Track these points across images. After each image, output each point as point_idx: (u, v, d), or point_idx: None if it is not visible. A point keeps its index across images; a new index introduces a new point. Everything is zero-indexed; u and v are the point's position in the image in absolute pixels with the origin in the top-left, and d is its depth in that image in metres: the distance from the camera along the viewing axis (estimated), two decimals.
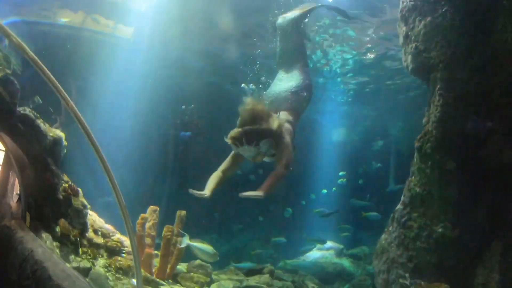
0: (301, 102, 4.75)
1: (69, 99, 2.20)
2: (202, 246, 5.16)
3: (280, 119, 4.19)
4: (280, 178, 3.90)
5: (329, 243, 11.73)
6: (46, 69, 2.07)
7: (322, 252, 11.44)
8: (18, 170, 5.10)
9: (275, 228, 12.68)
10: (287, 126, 4.22)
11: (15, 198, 5.70)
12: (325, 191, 14.97)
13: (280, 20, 5.42)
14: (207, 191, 4.04)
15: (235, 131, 3.84)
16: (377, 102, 13.52)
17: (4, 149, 5.45)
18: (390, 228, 3.94)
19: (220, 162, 4.38)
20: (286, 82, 4.89)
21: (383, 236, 4.01)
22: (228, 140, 3.86)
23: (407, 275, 3.59)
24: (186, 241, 5.09)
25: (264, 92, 4.99)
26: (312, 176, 14.39)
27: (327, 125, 15.47)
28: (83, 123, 2.27)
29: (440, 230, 3.59)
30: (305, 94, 4.77)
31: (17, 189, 5.78)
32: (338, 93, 13.52)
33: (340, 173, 14.17)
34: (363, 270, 10.23)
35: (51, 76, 2.09)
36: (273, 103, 4.68)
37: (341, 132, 15.91)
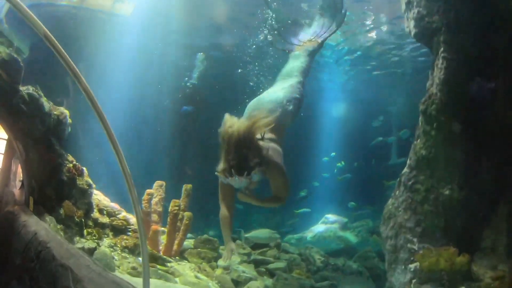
0: (286, 116, 4.41)
1: (81, 77, 2.12)
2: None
3: (265, 141, 3.90)
4: (277, 204, 3.80)
5: (333, 217, 11.79)
6: (59, 45, 2.00)
7: (326, 226, 11.48)
8: (20, 155, 5.05)
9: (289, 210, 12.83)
10: (274, 146, 3.94)
11: (18, 185, 5.67)
12: (326, 175, 15.09)
13: (297, 52, 5.30)
14: (229, 244, 4.00)
15: (223, 166, 3.62)
16: (377, 78, 13.50)
17: (5, 137, 5.43)
18: (397, 193, 3.88)
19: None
20: (275, 93, 4.63)
21: (390, 201, 3.95)
22: (218, 174, 3.67)
23: (415, 239, 3.54)
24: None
25: (248, 101, 4.65)
26: (314, 153, 14.43)
27: (327, 102, 15.37)
28: (95, 102, 2.20)
29: (447, 192, 3.53)
30: (291, 107, 4.42)
31: (20, 176, 5.74)
32: (336, 71, 13.52)
33: (338, 164, 14.26)
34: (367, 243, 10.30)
35: (65, 53, 2.01)
36: (257, 114, 4.25)
37: (341, 108, 15.79)
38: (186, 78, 12.28)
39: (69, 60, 2.04)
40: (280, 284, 6.03)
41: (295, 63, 5.24)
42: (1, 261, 4.44)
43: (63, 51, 1.97)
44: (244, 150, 3.56)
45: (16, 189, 5.54)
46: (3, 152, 5.52)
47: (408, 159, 3.89)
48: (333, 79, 14.28)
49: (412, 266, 3.46)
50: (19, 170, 5.56)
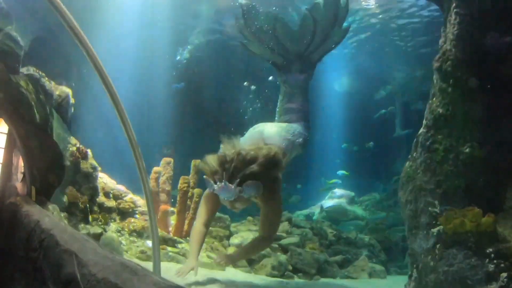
0: (292, 149, 4.29)
1: (94, 52, 2.00)
2: None
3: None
4: (265, 245, 3.47)
5: (340, 191, 11.69)
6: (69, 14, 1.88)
7: (334, 201, 11.40)
8: (20, 144, 4.87)
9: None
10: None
11: (19, 177, 5.52)
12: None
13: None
14: (192, 261, 3.42)
15: (215, 169, 3.26)
16: (380, 51, 13.34)
17: (5, 132, 5.26)
18: (414, 154, 3.69)
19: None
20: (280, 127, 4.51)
21: (408, 163, 3.76)
22: (206, 178, 3.34)
23: (436, 202, 3.36)
24: None
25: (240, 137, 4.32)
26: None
27: (329, 76, 15.19)
28: (105, 76, 2.11)
29: (467, 150, 3.34)
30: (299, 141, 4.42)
31: (21, 168, 5.58)
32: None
33: (343, 146, 14.08)
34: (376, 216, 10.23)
35: (75, 24, 1.89)
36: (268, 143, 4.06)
37: (344, 82, 15.58)
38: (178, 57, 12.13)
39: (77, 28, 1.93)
40: (294, 259, 5.91)
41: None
42: (5, 254, 4.31)
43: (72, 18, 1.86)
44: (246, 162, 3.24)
45: (18, 183, 5.39)
46: (3, 147, 5.39)
47: (424, 119, 3.70)
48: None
49: (435, 230, 3.28)
50: (21, 163, 5.41)
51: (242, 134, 4.39)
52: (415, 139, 3.73)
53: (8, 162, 5.47)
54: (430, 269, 3.27)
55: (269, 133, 4.29)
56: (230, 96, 12.89)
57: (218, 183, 3.25)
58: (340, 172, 12.80)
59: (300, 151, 4.70)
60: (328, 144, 15.24)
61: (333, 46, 5.66)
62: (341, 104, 15.57)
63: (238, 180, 3.16)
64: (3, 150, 5.47)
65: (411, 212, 3.58)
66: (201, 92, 12.44)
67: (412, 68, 13.46)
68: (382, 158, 14.01)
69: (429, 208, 3.39)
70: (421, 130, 3.67)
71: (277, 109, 5.40)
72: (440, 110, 3.50)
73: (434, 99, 3.63)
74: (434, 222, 3.34)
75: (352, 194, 11.55)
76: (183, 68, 12.34)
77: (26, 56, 4.19)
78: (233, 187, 3.14)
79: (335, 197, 11.41)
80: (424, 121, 3.69)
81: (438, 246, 3.23)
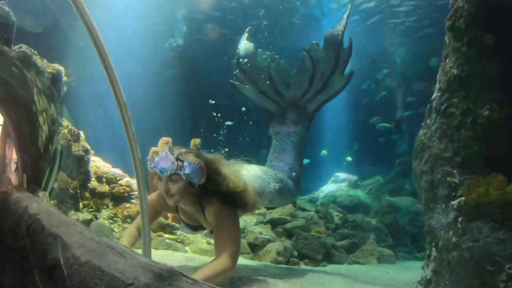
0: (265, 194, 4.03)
1: (97, 30, 1.88)
2: None
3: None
4: (224, 271, 2.78)
5: (343, 175, 11.47)
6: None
7: (337, 185, 11.17)
8: (12, 130, 4.62)
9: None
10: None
11: (13, 167, 5.31)
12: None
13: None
14: None
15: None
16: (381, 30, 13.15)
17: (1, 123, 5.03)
18: (428, 121, 3.39)
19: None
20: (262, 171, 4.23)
21: (421, 131, 3.46)
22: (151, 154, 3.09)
23: (455, 171, 3.07)
24: None
25: None
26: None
27: None
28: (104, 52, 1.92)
29: (486, 112, 3.05)
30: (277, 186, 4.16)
31: (15, 159, 5.37)
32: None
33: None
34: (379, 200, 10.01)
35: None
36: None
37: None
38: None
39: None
40: (300, 244, 5.67)
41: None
42: None
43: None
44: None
45: (12, 174, 5.19)
46: None
47: (437, 83, 3.40)
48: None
49: (455, 202, 2.99)
50: (14, 151, 5.20)
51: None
52: (428, 105, 3.43)
53: (2, 153, 5.27)
54: (452, 246, 2.97)
55: (250, 167, 4.03)
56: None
57: (159, 152, 3.01)
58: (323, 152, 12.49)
59: (277, 199, 4.38)
60: (330, 129, 15.00)
61: (333, 95, 5.18)
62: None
63: (179, 153, 2.98)
64: None
65: (427, 184, 3.28)
66: (197, 78, 12.25)
67: (412, 45, 13.20)
68: (385, 141, 13.81)
69: (448, 178, 3.10)
70: (435, 94, 3.38)
71: (266, 164, 4.97)
72: (455, 71, 3.21)
73: (447, 60, 3.34)
74: (453, 193, 3.06)
75: (355, 178, 11.29)
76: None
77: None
78: (173, 157, 2.91)
79: (338, 181, 11.15)
80: (437, 85, 3.40)
81: (460, 219, 2.94)
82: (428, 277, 3.23)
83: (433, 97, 3.38)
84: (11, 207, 4.01)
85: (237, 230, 3.05)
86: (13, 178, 5.04)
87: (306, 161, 9.21)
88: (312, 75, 4.98)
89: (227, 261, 2.77)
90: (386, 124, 12.37)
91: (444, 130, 3.17)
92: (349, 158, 13.22)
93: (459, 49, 3.24)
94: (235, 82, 5.35)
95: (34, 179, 4.31)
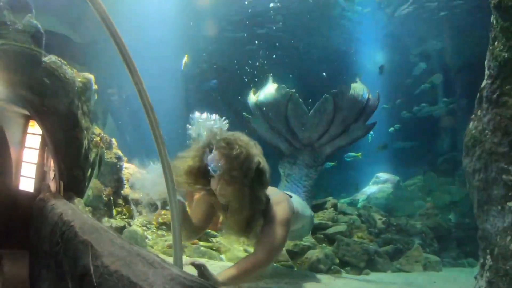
0: None
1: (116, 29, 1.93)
2: None
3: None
4: (258, 269, 2.79)
5: (385, 175, 11.05)
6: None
7: (378, 186, 10.77)
8: (48, 139, 4.70)
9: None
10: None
11: (51, 175, 5.42)
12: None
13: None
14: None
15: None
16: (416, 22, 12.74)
17: (39, 132, 5.15)
18: (479, 112, 3.06)
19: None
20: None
21: (471, 124, 3.13)
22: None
23: None
24: None
25: None
26: None
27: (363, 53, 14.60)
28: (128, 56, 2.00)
29: None
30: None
31: (53, 167, 5.48)
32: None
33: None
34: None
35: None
36: None
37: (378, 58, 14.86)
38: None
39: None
40: (342, 251, 5.41)
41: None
42: (35, 252, 4.13)
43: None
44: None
45: (51, 181, 5.29)
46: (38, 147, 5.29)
47: (486, 69, 3.07)
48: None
49: None
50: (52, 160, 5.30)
51: None
52: (477, 94, 3.11)
53: (42, 162, 5.40)
54: (510, 254, 2.62)
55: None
56: None
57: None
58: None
59: (307, 227, 4.34)
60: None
61: (351, 142, 5.00)
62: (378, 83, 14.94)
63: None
64: (38, 151, 5.43)
65: (480, 184, 2.96)
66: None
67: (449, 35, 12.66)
68: (425, 138, 13.29)
69: (503, 176, 2.78)
70: (484, 82, 3.05)
71: None
72: (505, 55, 2.87)
73: (495, 43, 3.00)
74: (510, 193, 2.73)
75: (397, 178, 10.85)
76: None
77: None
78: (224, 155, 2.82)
79: (380, 182, 10.75)
80: (486, 71, 3.06)
81: None
82: None
83: (482, 85, 3.05)
84: (47, 214, 4.05)
85: (286, 234, 2.98)
86: (52, 185, 5.13)
87: (329, 164, 8.89)
88: (331, 119, 4.81)
89: (264, 256, 2.75)
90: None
91: (498, 122, 2.85)
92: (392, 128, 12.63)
93: (508, 29, 2.90)
94: (248, 116, 5.20)
95: (70, 186, 4.35)
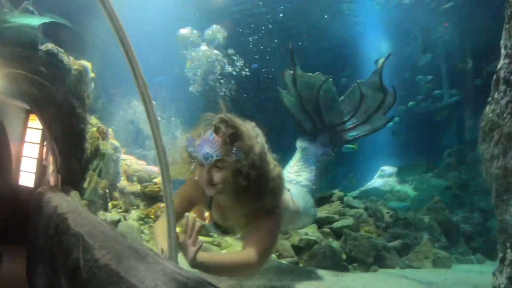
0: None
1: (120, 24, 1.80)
2: None
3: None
4: (246, 268, 2.42)
5: (390, 169, 10.90)
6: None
7: (384, 180, 10.59)
8: (46, 131, 4.59)
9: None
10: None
11: (51, 169, 5.33)
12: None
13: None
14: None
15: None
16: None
17: (40, 127, 5.05)
18: (496, 95, 2.85)
19: None
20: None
21: (488, 108, 2.92)
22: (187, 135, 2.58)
23: None
24: None
25: None
26: None
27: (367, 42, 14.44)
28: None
29: None
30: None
31: (52, 161, 5.39)
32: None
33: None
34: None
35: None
36: None
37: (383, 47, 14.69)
38: None
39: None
40: (349, 246, 5.24)
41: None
42: (33, 246, 4.02)
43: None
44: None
45: (50, 176, 5.20)
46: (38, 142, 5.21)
47: (503, 48, 2.85)
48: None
49: None
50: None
51: None
52: (494, 76, 2.90)
53: (41, 156, 5.30)
54: None
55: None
56: None
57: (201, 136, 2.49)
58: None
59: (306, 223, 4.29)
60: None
61: (371, 131, 5.12)
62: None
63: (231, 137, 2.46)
64: (38, 145, 5.33)
65: (500, 171, 2.74)
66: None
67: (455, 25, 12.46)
68: (430, 131, 13.14)
69: None
70: (501, 62, 2.82)
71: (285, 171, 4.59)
72: None
73: None
74: None
75: None
76: None
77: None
78: (214, 145, 2.40)
79: (385, 176, 10.61)
80: (502, 51, 2.83)
81: None
82: (502, 285, 2.71)
83: (499, 66, 2.83)
84: (43, 207, 3.92)
85: (277, 236, 2.68)
86: (52, 180, 5.03)
87: (350, 147, 8.76)
88: (357, 107, 5.02)
89: (255, 256, 2.36)
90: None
91: None
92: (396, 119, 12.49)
93: None
94: (282, 90, 5.24)
95: (67, 178, 4.22)
